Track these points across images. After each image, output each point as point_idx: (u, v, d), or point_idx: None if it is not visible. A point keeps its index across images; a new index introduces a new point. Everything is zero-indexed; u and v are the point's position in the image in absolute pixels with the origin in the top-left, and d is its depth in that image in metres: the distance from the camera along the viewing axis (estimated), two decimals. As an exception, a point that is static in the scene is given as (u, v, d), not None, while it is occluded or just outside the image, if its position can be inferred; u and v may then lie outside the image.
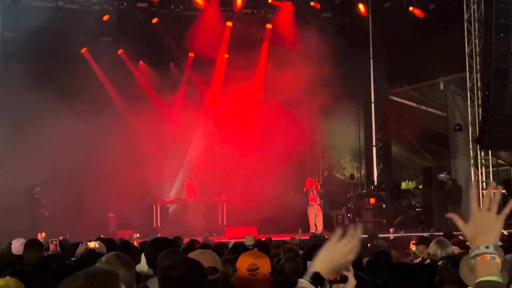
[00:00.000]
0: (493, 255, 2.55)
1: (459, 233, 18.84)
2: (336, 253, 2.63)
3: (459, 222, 2.64)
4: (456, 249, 7.94)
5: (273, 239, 14.14)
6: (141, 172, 24.03)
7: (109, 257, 4.24)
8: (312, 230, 22.70)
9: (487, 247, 2.56)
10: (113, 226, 23.42)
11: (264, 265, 4.37)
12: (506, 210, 2.60)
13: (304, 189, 23.41)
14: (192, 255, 4.43)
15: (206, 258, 4.46)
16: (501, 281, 2.54)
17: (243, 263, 4.36)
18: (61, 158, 22.08)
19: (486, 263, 2.55)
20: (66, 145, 22.39)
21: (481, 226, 2.60)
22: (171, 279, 3.36)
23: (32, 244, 7.70)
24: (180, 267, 3.39)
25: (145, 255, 5.71)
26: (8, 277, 4.42)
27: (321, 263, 2.60)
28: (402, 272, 4.90)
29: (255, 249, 6.59)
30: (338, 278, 2.87)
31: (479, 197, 2.51)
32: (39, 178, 22.26)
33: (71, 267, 5.48)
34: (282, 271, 6.38)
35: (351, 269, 2.88)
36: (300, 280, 2.57)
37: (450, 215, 2.69)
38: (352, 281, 2.88)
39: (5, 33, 21.49)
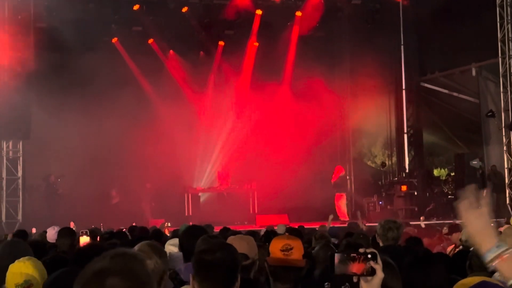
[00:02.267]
0: (507, 251, 2.51)
1: (493, 220, 18.75)
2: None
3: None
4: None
5: (305, 227, 14.16)
6: (172, 161, 24.16)
7: (142, 246, 4.30)
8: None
9: (498, 246, 2.52)
10: (148, 215, 23.62)
11: (297, 247, 4.40)
12: (485, 202, 2.57)
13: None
14: (228, 240, 4.48)
15: (240, 244, 4.49)
16: None
17: (276, 244, 4.39)
18: (93, 148, 22.31)
19: (508, 261, 2.50)
20: (97, 134, 22.60)
21: (480, 226, 2.56)
22: (204, 264, 3.38)
23: (65, 232, 7.82)
24: (212, 252, 3.41)
25: (180, 242, 5.79)
26: (27, 259, 4.46)
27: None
28: (422, 259, 4.85)
29: (286, 233, 6.63)
30: (365, 272, 2.85)
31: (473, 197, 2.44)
32: (71, 168, 22.47)
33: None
34: (317, 258, 6.39)
35: (380, 262, 2.86)
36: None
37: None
38: (380, 274, 2.85)
39: (37, 24, 21.67)
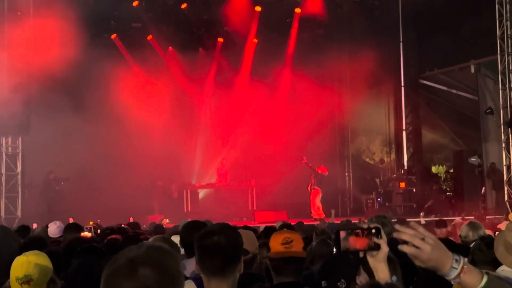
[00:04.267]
0: (463, 261, 2.60)
1: (491, 217, 18.78)
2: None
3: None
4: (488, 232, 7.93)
5: (304, 223, 14.18)
6: (171, 157, 24.18)
7: (156, 239, 4.36)
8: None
9: (456, 261, 2.60)
10: (157, 212, 23.72)
11: (297, 239, 4.46)
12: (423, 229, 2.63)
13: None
14: None
15: (241, 238, 4.52)
16: (488, 273, 2.60)
17: (277, 239, 4.45)
18: (91, 144, 22.28)
19: (469, 272, 2.59)
20: (95, 130, 22.58)
21: (434, 255, 2.61)
22: (203, 248, 3.40)
23: (71, 228, 7.79)
24: (211, 236, 3.42)
25: (180, 237, 5.80)
26: (36, 253, 4.49)
27: None
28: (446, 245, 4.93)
29: (284, 229, 6.69)
30: (370, 247, 2.91)
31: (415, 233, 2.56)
32: (70, 164, 22.45)
33: (97, 250, 5.59)
34: (315, 253, 6.42)
35: (384, 236, 2.91)
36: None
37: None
38: (384, 248, 2.92)
39: (36, 20, 21.62)
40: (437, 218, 20.53)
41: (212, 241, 3.40)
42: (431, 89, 27.75)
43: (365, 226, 2.93)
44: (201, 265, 3.42)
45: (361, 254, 2.93)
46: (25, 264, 4.31)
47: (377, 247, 2.92)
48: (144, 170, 23.73)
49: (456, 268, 2.58)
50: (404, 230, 2.63)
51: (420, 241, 2.61)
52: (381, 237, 2.92)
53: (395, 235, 2.68)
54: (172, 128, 24.69)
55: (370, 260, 2.96)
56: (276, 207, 23.39)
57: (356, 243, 2.91)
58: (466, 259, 2.61)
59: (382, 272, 2.96)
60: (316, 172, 22.91)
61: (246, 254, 4.66)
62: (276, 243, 4.42)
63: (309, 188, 23.07)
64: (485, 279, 2.56)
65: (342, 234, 2.91)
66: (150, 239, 4.42)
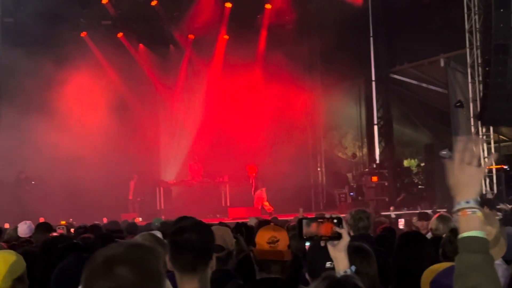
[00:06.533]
0: (473, 210, 2.58)
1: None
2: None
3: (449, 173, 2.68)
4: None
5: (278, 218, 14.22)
6: (143, 154, 24.10)
7: (145, 236, 4.34)
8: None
9: (467, 202, 2.60)
10: (134, 209, 23.59)
11: (284, 238, 4.43)
12: (486, 164, 2.64)
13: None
14: None
15: (216, 235, 4.51)
16: (484, 236, 2.54)
17: (263, 236, 4.41)
18: (62, 143, 22.12)
19: (467, 218, 2.58)
20: (66, 129, 22.44)
21: (461, 180, 2.65)
22: (176, 245, 3.40)
23: (42, 227, 7.73)
24: (182, 233, 3.43)
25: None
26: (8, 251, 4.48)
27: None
28: (414, 239, 5.01)
29: (272, 223, 6.69)
30: (331, 236, 2.98)
31: (464, 151, 2.50)
32: (40, 163, 22.27)
33: (78, 246, 5.55)
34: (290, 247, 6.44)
35: (345, 226, 2.97)
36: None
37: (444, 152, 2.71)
38: (345, 238, 2.99)
39: (5, 19, 21.47)
40: (410, 211, 20.79)
41: (183, 238, 3.41)
42: (401, 83, 27.88)
43: (327, 216, 3.00)
44: (173, 261, 3.43)
45: (322, 243, 3.00)
46: None
47: (338, 236, 2.97)
48: (117, 169, 23.63)
49: (460, 206, 2.61)
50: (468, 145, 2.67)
51: (471, 158, 2.65)
52: (342, 227, 3.00)
53: (459, 139, 2.72)
54: (144, 125, 24.62)
55: (331, 249, 3.03)
56: (250, 203, 23.41)
57: (319, 229, 2.98)
58: (476, 210, 2.59)
59: (341, 261, 3.03)
60: (256, 176, 23.06)
61: (221, 250, 4.67)
62: (262, 240, 4.39)
63: (253, 192, 23.17)
64: (465, 234, 2.54)
65: (304, 223, 2.99)
66: (139, 237, 4.38)
